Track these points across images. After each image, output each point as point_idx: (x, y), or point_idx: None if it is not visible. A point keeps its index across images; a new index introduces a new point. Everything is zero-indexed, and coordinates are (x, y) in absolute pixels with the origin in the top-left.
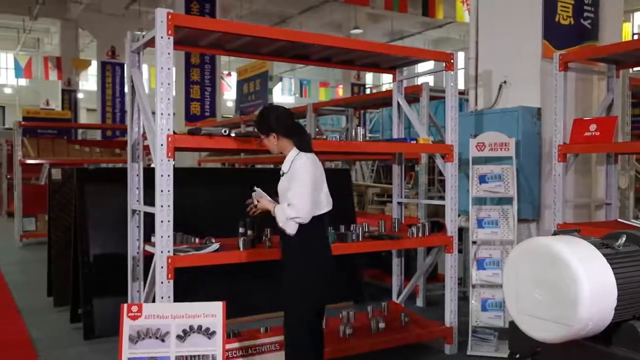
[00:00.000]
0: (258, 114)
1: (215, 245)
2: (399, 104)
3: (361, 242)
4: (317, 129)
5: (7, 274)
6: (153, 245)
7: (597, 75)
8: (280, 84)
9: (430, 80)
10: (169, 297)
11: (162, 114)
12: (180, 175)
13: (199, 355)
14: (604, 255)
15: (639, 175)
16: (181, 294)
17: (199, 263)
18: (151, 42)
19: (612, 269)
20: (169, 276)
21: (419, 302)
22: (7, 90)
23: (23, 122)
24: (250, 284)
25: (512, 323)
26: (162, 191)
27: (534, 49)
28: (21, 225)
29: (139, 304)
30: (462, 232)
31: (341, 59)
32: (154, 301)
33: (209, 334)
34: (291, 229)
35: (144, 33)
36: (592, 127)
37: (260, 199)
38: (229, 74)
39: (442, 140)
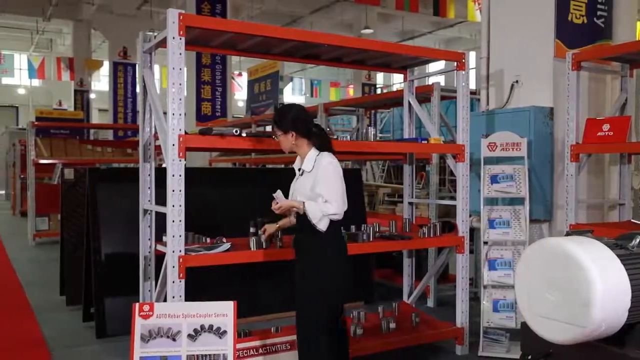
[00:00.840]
0: (277, 111)
1: (227, 245)
2: (410, 104)
3: (372, 242)
4: (327, 129)
5: (20, 272)
6: (164, 244)
7: (610, 74)
8: (290, 84)
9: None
10: (180, 296)
11: (173, 114)
12: (192, 175)
13: (210, 355)
14: (618, 256)
15: None
16: (192, 294)
17: (210, 263)
18: (163, 43)
19: (626, 269)
20: (181, 275)
21: (430, 302)
22: (21, 91)
23: (36, 123)
24: (261, 283)
25: (524, 324)
26: (173, 191)
27: (546, 48)
28: (34, 224)
29: (150, 303)
30: (473, 232)
31: (352, 59)
32: (165, 300)
33: (220, 333)
34: (324, 225)
35: (155, 33)
36: (606, 126)
37: (281, 200)
38: (240, 74)
39: (454, 140)
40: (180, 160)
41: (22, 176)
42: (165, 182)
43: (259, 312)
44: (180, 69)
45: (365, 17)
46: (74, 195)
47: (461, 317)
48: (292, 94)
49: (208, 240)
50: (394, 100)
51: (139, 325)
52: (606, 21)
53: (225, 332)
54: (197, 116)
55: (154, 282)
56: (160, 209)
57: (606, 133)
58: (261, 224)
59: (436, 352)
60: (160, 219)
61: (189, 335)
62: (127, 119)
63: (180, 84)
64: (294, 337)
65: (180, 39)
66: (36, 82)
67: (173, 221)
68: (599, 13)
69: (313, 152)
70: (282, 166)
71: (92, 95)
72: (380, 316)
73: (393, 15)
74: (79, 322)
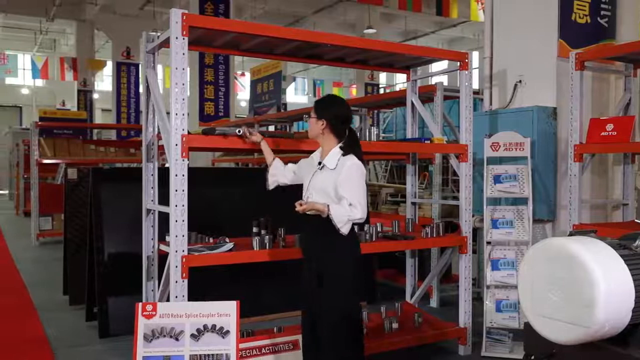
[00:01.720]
0: (324, 98)
1: (229, 245)
2: (412, 104)
3: (375, 242)
4: None
5: (23, 272)
6: (167, 244)
7: (614, 74)
8: (293, 83)
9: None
10: (183, 296)
11: (176, 114)
12: (195, 175)
13: (212, 355)
14: (621, 256)
15: None
16: (195, 293)
17: (213, 262)
18: (166, 43)
19: (630, 270)
20: (183, 275)
21: (433, 302)
22: (24, 91)
23: (40, 123)
24: (264, 283)
25: (527, 324)
26: (176, 191)
27: (549, 48)
28: (37, 224)
29: (153, 303)
30: (476, 232)
31: (355, 58)
32: (168, 300)
33: (222, 333)
34: (347, 229)
35: (158, 34)
36: (609, 126)
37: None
38: (243, 74)
39: (457, 140)
40: (183, 160)
41: (25, 176)
42: (168, 182)
43: (261, 312)
44: (183, 69)
45: (368, 17)
46: (77, 195)
47: (464, 317)
48: (295, 94)
49: (211, 240)
50: (397, 100)
51: (142, 324)
52: (610, 21)
53: (228, 331)
54: (200, 116)
55: (157, 282)
56: (163, 208)
57: (610, 133)
58: (264, 224)
59: (439, 352)
60: (163, 219)
61: (192, 335)
62: (130, 119)
63: (183, 84)
64: (297, 337)
65: (183, 39)
66: (40, 82)
67: (176, 221)
68: (602, 13)
69: (337, 150)
70: None
71: (96, 95)
72: (382, 316)
73: (396, 15)
74: (82, 322)
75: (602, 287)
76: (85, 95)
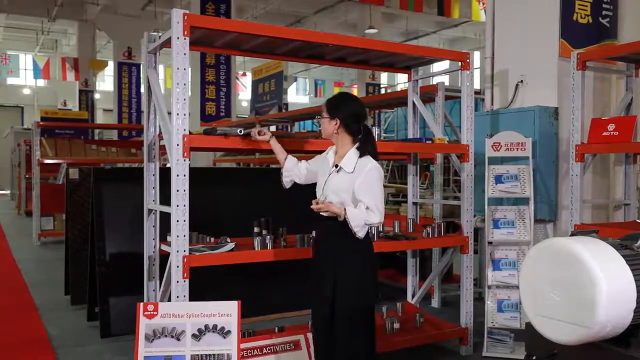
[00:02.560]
0: (336, 96)
1: (231, 245)
2: (414, 104)
3: (376, 242)
4: None
5: (25, 272)
6: (169, 244)
7: (615, 74)
8: (295, 84)
9: (445, 79)
10: (184, 296)
11: (178, 114)
12: (196, 175)
13: (214, 355)
14: (623, 256)
15: None
16: (196, 293)
17: (214, 262)
18: (167, 43)
19: (631, 270)
20: (185, 275)
21: (434, 302)
22: (26, 91)
23: (41, 123)
24: (265, 283)
25: (528, 324)
26: (177, 191)
27: (551, 48)
28: (39, 224)
29: (154, 303)
30: (477, 232)
31: (356, 58)
32: (169, 300)
33: (224, 333)
34: (363, 233)
35: (160, 34)
36: (611, 126)
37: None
38: (244, 74)
39: (458, 140)
40: (184, 160)
41: (27, 176)
42: (170, 182)
43: (263, 312)
44: (185, 69)
45: (369, 17)
46: (78, 195)
47: (465, 317)
48: (297, 94)
49: (212, 240)
50: (398, 100)
51: (144, 324)
52: (611, 21)
53: (229, 332)
54: (201, 116)
55: (158, 282)
56: (165, 208)
57: (611, 133)
58: (265, 224)
59: (440, 352)
60: (165, 219)
61: (193, 335)
62: (132, 119)
63: (184, 84)
64: (298, 337)
65: (185, 39)
66: (41, 83)
67: (177, 221)
68: (604, 13)
69: (354, 152)
70: None
71: (97, 96)
72: (384, 316)
73: (397, 15)
74: (83, 322)
75: (603, 288)
76: (86, 96)
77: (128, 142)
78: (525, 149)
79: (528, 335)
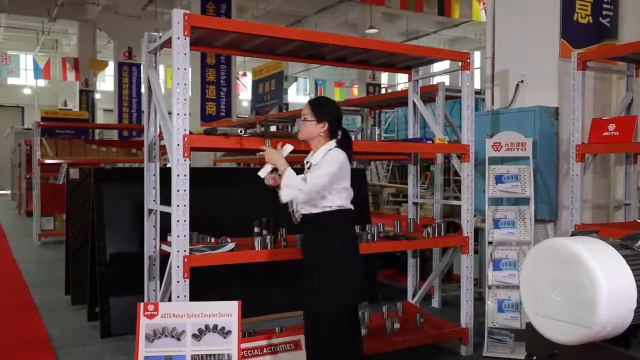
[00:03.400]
0: (319, 99)
1: (231, 245)
2: (414, 104)
3: (376, 242)
4: None
5: (25, 272)
6: (169, 244)
7: (616, 74)
8: (295, 84)
9: (446, 79)
10: (184, 296)
11: (178, 114)
12: (196, 175)
13: (214, 355)
14: (623, 256)
15: None
16: (197, 293)
17: (214, 262)
18: (168, 43)
19: (632, 270)
20: (185, 275)
21: (435, 302)
22: (26, 91)
23: (41, 123)
24: (266, 283)
25: (529, 324)
26: (178, 191)
27: (551, 48)
28: (39, 224)
29: (155, 303)
30: (478, 232)
31: (356, 58)
32: (170, 300)
33: (224, 333)
34: (285, 197)
35: (160, 34)
36: (611, 126)
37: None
38: (245, 74)
39: (458, 140)
40: (184, 160)
41: (27, 176)
42: (170, 182)
43: (263, 312)
44: (185, 69)
45: (369, 17)
46: (79, 195)
47: (466, 317)
48: (297, 94)
49: (212, 240)
50: (399, 100)
51: (144, 324)
52: (612, 21)
53: (229, 332)
54: (201, 116)
55: (158, 282)
56: (165, 208)
57: (612, 133)
58: (265, 224)
59: (440, 352)
60: (165, 219)
61: (194, 335)
62: (132, 119)
63: (185, 84)
64: (299, 336)
65: (185, 39)
66: (41, 83)
67: (178, 221)
68: (604, 12)
69: (327, 146)
70: None
71: (97, 96)
72: (384, 316)
73: (398, 15)
74: (83, 322)
75: (604, 288)
76: (87, 96)
77: (128, 142)
78: (526, 149)
79: (528, 336)
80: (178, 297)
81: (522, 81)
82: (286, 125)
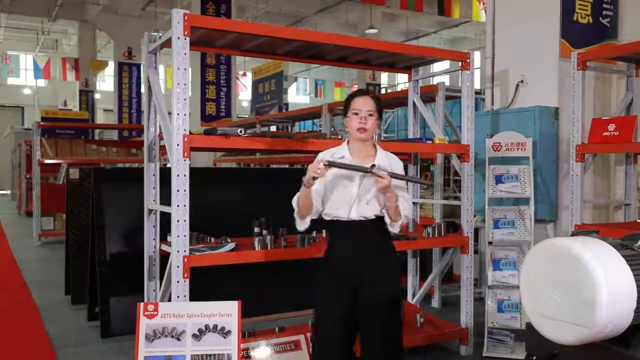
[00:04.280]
0: (376, 96)
1: (231, 245)
2: (414, 104)
3: None
4: (332, 129)
5: (25, 272)
6: (169, 244)
7: (616, 74)
8: (295, 84)
9: (446, 79)
10: (184, 296)
11: (178, 114)
12: (196, 175)
13: (214, 355)
14: (624, 256)
15: None
16: (196, 293)
17: (214, 263)
18: (168, 43)
19: (632, 270)
20: (185, 275)
21: (435, 302)
22: (26, 91)
23: (41, 123)
24: (266, 283)
25: (529, 325)
26: (178, 191)
27: (551, 48)
28: (39, 224)
29: (155, 303)
30: (478, 232)
31: (357, 59)
32: (170, 300)
33: (224, 333)
34: (398, 228)
35: (160, 34)
36: (611, 126)
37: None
38: (244, 74)
39: (458, 140)
40: (184, 160)
41: (27, 176)
42: (170, 182)
43: (263, 312)
44: (185, 69)
45: (369, 17)
46: (78, 195)
47: (465, 317)
48: (297, 94)
49: (212, 240)
50: (399, 100)
51: (144, 324)
52: (612, 21)
53: (229, 332)
54: (201, 116)
55: (158, 282)
56: (165, 208)
57: (612, 133)
58: (265, 224)
59: (440, 352)
60: (165, 219)
61: (194, 335)
62: (132, 119)
63: (185, 84)
64: (299, 336)
65: (185, 39)
66: (42, 83)
67: (178, 221)
68: (604, 12)
69: (378, 147)
70: (287, 166)
71: (97, 96)
72: None
73: (397, 15)
74: (83, 322)
75: (604, 288)
76: (87, 96)
77: (128, 142)
78: (526, 149)
79: (528, 336)
80: (178, 297)
81: (522, 81)
82: (286, 125)
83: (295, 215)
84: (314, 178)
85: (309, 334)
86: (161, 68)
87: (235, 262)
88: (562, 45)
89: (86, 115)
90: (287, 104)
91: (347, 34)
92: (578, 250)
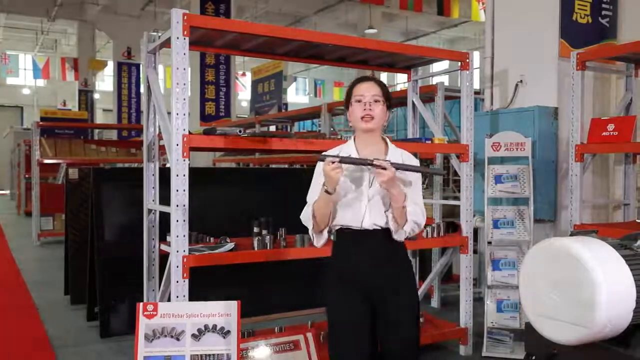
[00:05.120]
0: (381, 81)
1: (230, 245)
2: (413, 104)
3: None
4: (331, 129)
5: (25, 272)
6: (168, 244)
7: (615, 74)
8: (294, 83)
9: (445, 79)
10: (184, 296)
11: (177, 114)
12: (196, 175)
13: (213, 355)
14: (623, 256)
15: None
16: (196, 293)
17: (214, 262)
18: (167, 43)
19: (631, 270)
20: (184, 275)
21: (434, 302)
22: (26, 91)
23: (41, 123)
24: (265, 283)
25: (528, 324)
26: (177, 191)
27: (551, 48)
28: (39, 224)
29: (154, 302)
30: (477, 232)
31: (356, 58)
32: (169, 300)
33: (223, 333)
34: (403, 236)
35: (159, 34)
36: (610, 126)
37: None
38: (244, 74)
39: (458, 140)
40: (184, 160)
41: (26, 176)
42: (169, 182)
43: (262, 312)
44: (184, 69)
45: (369, 17)
46: (78, 195)
47: (465, 317)
48: (296, 94)
49: (212, 239)
50: (398, 100)
51: (143, 324)
52: (611, 21)
53: (228, 332)
54: (201, 116)
55: (157, 282)
56: (164, 208)
57: (611, 133)
58: (265, 224)
59: (440, 352)
60: (165, 219)
61: (193, 335)
62: (131, 119)
63: (184, 84)
64: (298, 336)
65: (185, 39)
66: (41, 82)
67: (177, 221)
68: (603, 13)
69: (390, 143)
70: (286, 166)
71: (97, 96)
72: None
73: (397, 15)
74: (83, 322)
75: (603, 288)
76: (86, 95)
77: (128, 142)
78: (525, 149)
79: (528, 336)
80: (177, 297)
81: (521, 81)
82: (285, 125)
83: (311, 232)
84: (335, 181)
85: (308, 334)
86: (160, 68)
87: (234, 262)
88: (562, 45)
89: (85, 115)
90: (286, 104)
91: (346, 34)
92: (577, 250)
